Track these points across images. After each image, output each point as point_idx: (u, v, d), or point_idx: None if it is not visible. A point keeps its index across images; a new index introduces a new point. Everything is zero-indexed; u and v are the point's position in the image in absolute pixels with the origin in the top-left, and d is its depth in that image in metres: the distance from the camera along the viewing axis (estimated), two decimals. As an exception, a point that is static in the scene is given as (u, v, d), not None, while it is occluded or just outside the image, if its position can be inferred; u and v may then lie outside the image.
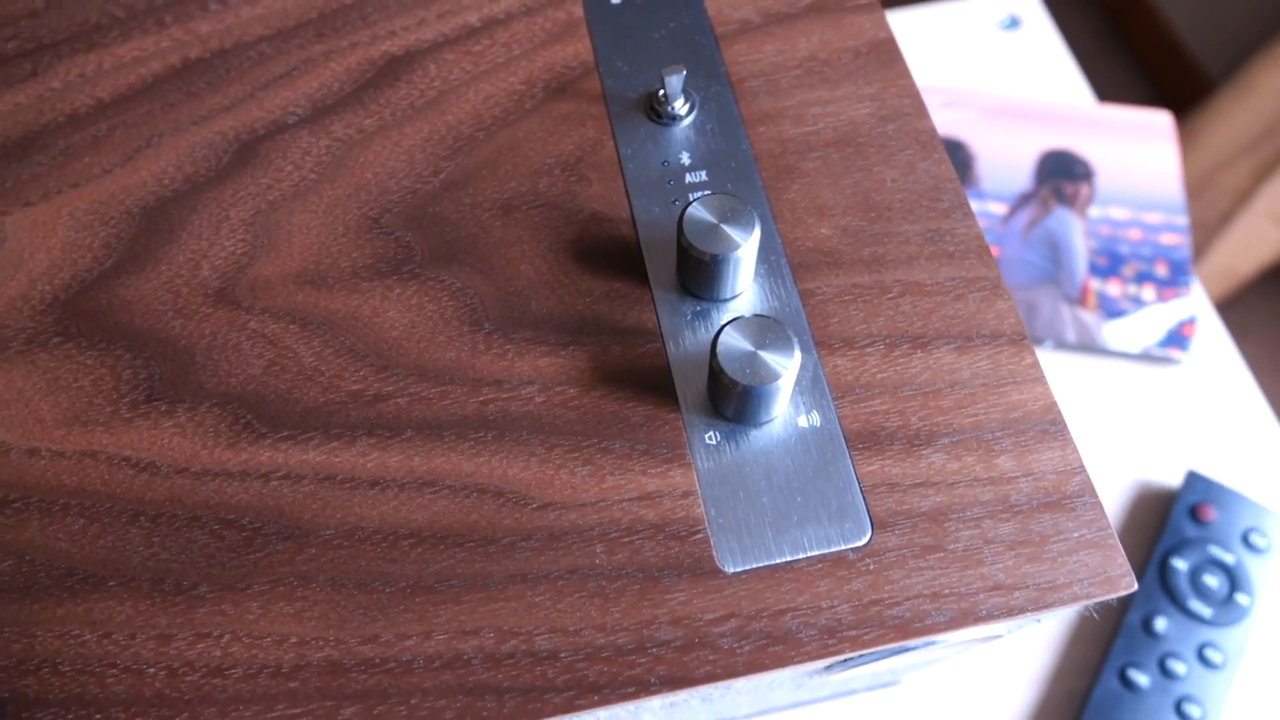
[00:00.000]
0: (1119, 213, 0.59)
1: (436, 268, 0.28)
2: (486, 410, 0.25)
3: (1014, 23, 0.68)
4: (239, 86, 0.31)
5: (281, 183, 0.29)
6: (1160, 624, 0.47)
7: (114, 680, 0.22)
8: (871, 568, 0.23)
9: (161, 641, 0.23)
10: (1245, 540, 0.49)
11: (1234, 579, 0.48)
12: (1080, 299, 0.57)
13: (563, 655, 0.22)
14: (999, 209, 0.59)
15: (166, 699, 0.22)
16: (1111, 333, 0.56)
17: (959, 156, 0.61)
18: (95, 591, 0.23)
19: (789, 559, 0.23)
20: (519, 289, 0.27)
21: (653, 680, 0.22)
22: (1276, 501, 0.52)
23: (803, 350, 0.26)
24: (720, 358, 0.23)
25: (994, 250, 0.58)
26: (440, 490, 0.24)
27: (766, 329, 0.23)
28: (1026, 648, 0.49)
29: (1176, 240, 0.58)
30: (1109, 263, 0.58)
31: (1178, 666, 0.46)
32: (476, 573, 0.23)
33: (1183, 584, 0.48)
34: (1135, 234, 0.58)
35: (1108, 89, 1.66)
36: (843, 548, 0.23)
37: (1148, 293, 0.57)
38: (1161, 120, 0.62)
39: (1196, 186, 1.49)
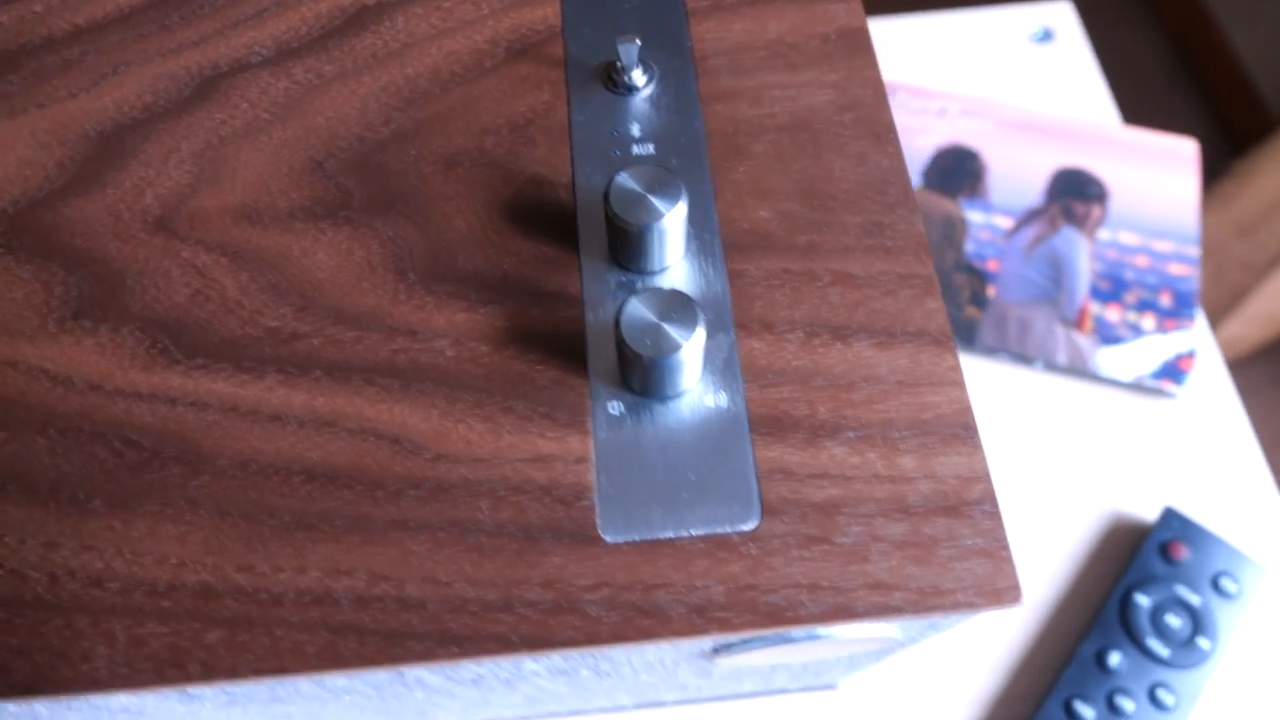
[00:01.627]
0: (1129, 238, 0.57)
1: (371, 215, 0.28)
2: (397, 359, 0.25)
3: (1047, 36, 0.67)
4: (210, 23, 0.31)
5: (235, 119, 0.29)
6: (1114, 659, 0.46)
7: None
8: (753, 553, 0.23)
9: (49, 548, 0.23)
10: (1215, 584, 0.47)
11: (1198, 621, 0.47)
12: (1077, 321, 0.55)
13: (430, 605, 0.22)
14: (1005, 223, 0.58)
15: (44, 603, 0.23)
16: (1105, 359, 0.54)
17: (971, 166, 0.60)
18: (-4, 495, 0.24)
19: (672, 536, 0.23)
20: (448, 243, 0.27)
21: (515, 638, 0.22)
22: (1255, 549, 0.51)
23: (722, 331, 0.26)
24: (623, 326, 0.23)
25: (993, 264, 0.57)
26: (339, 431, 0.24)
27: (674, 302, 0.23)
28: (974, 668, 0.48)
29: (1185, 271, 0.56)
30: (1111, 287, 0.56)
31: (1126, 704, 0.45)
32: (360, 515, 0.23)
33: (1143, 621, 0.47)
34: (1143, 261, 0.57)
35: (1170, 118, 1.62)
36: (728, 530, 0.23)
37: (1148, 322, 0.55)
38: (1186, 147, 0.60)
39: (1249, 226, 1.45)
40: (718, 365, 0.25)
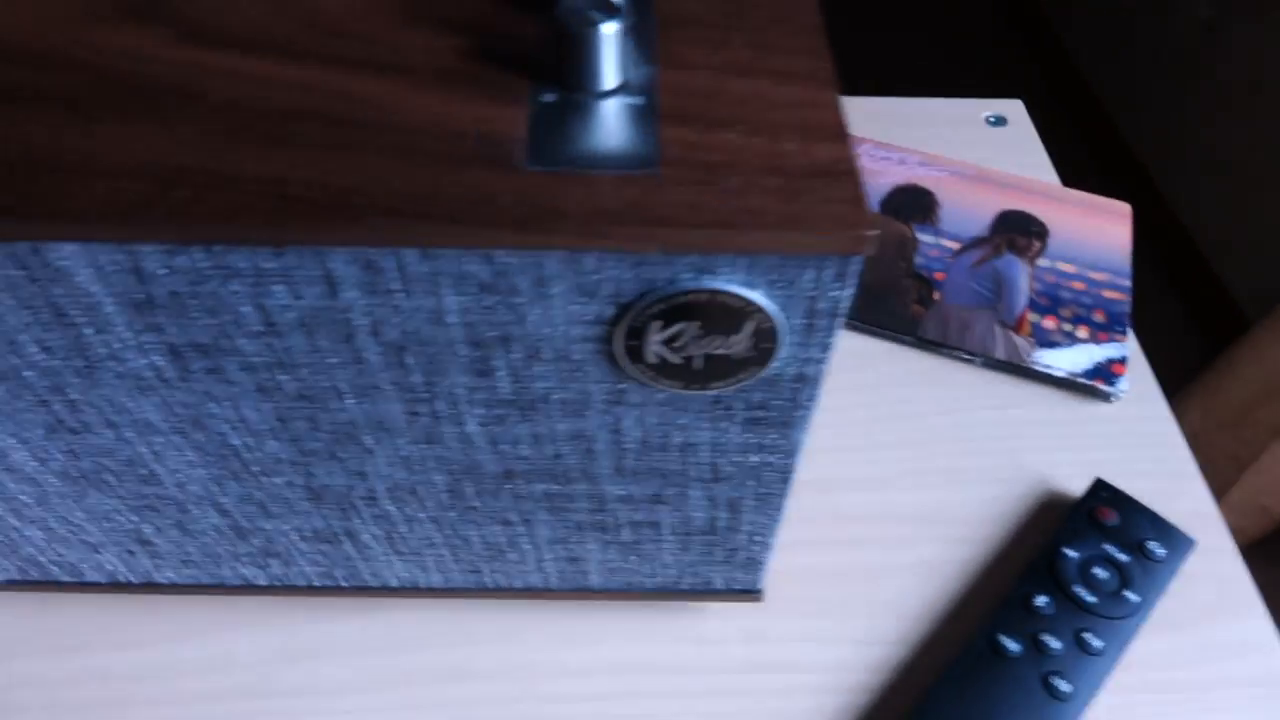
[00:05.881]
0: (1066, 267, 0.63)
1: (376, -17, 0.34)
2: (377, 55, 0.31)
3: (1001, 121, 0.75)
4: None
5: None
6: (1040, 600, 0.46)
7: (9, 159, 0.27)
8: (650, 184, 0.27)
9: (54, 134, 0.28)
10: (1141, 547, 0.48)
11: (1125, 576, 0.47)
12: (1015, 326, 0.59)
13: (370, 189, 0.26)
14: (953, 245, 0.64)
15: (37, 163, 0.27)
16: (1042, 358, 0.58)
17: (924, 200, 0.67)
18: (23, 111, 0.29)
19: (584, 171, 0.27)
20: None
21: (436, 213, 0.25)
22: (1184, 529, 0.51)
23: (647, 64, 0.31)
24: (560, 7, 0.28)
25: (940, 275, 0.62)
26: (316, 92, 0.29)
27: (602, 4, 0.29)
28: (902, 619, 0.48)
29: (1119, 296, 0.61)
30: (1049, 303, 0.60)
31: (1051, 641, 0.45)
32: (324, 137, 0.28)
33: (1071, 571, 0.47)
34: (1079, 285, 0.61)
35: (1150, 305, 1.71)
36: (631, 172, 0.27)
37: (1082, 332, 0.59)
38: (1123, 207, 0.67)
39: (1232, 421, 1.48)
40: (636, 82, 0.30)
